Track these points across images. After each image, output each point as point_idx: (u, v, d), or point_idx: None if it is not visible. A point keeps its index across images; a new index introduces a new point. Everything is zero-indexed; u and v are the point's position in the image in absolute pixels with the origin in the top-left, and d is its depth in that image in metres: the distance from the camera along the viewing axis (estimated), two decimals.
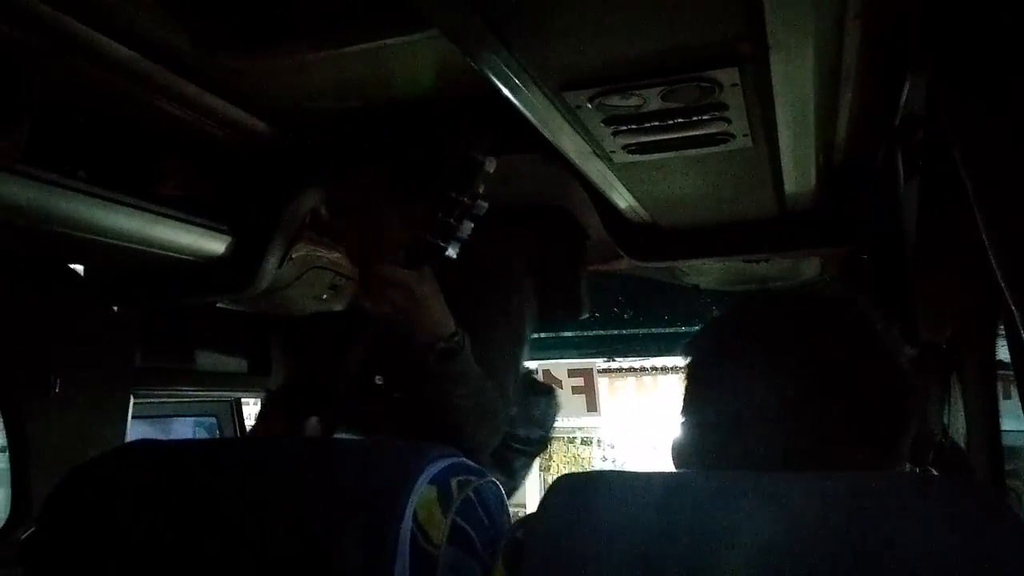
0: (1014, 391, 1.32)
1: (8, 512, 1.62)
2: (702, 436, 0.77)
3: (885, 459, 0.73)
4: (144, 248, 1.55)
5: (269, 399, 1.46)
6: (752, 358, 0.75)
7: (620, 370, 8.80)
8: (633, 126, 1.05)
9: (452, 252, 1.19)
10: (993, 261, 0.69)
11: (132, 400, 1.92)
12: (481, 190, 1.22)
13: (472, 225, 1.19)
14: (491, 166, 1.20)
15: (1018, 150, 0.69)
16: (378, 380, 1.23)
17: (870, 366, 0.75)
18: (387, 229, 1.33)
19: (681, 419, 0.79)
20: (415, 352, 1.16)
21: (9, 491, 1.62)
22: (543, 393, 1.51)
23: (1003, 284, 0.68)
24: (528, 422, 1.37)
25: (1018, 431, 1.47)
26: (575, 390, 5.49)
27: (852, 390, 0.73)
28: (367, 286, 1.17)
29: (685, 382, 0.81)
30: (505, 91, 0.96)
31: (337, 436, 1.22)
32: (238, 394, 2.47)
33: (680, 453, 0.79)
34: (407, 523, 0.76)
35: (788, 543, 0.58)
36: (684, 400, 0.80)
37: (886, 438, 0.73)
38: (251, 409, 2.53)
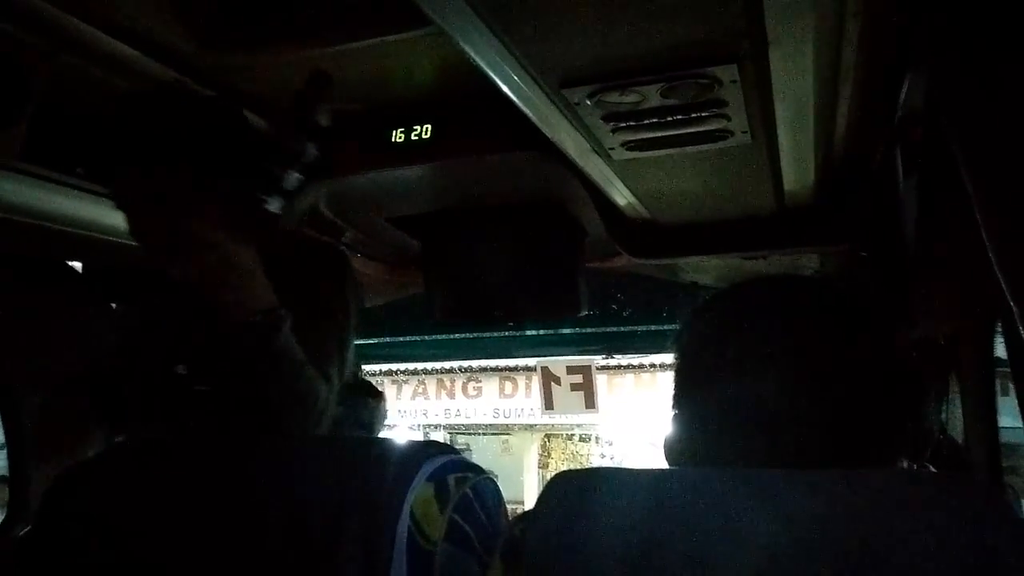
0: (1012, 388, 1.32)
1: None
2: (694, 433, 0.76)
3: (883, 454, 0.72)
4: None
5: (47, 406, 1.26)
6: (745, 352, 0.73)
7: (619, 367, 8.81)
8: (632, 123, 1.05)
9: (274, 206, 1.04)
10: (992, 259, 0.69)
11: None
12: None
13: (301, 178, 1.04)
14: (325, 118, 1.07)
15: (1018, 149, 0.69)
16: (180, 370, 1.09)
17: (868, 359, 0.73)
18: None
19: (673, 415, 0.78)
20: (228, 328, 1.02)
21: None
22: (372, 397, 1.40)
23: (1003, 283, 0.68)
24: (355, 424, 1.25)
25: (1016, 428, 1.47)
26: (573, 387, 5.48)
27: (849, 385, 0.71)
28: (173, 246, 0.98)
29: (675, 376, 0.80)
30: (504, 88, 0.96)
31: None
32: None
33: (672, 450, 0.78)
34: (404, 521, 0.76)
35: (786, 541, 0.58)
36: (675, 395, 0.79)
37: (884, 433, 0.72)
38: None
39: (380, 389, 1.47)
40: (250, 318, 1.01)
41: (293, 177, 1.02)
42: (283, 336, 1.04)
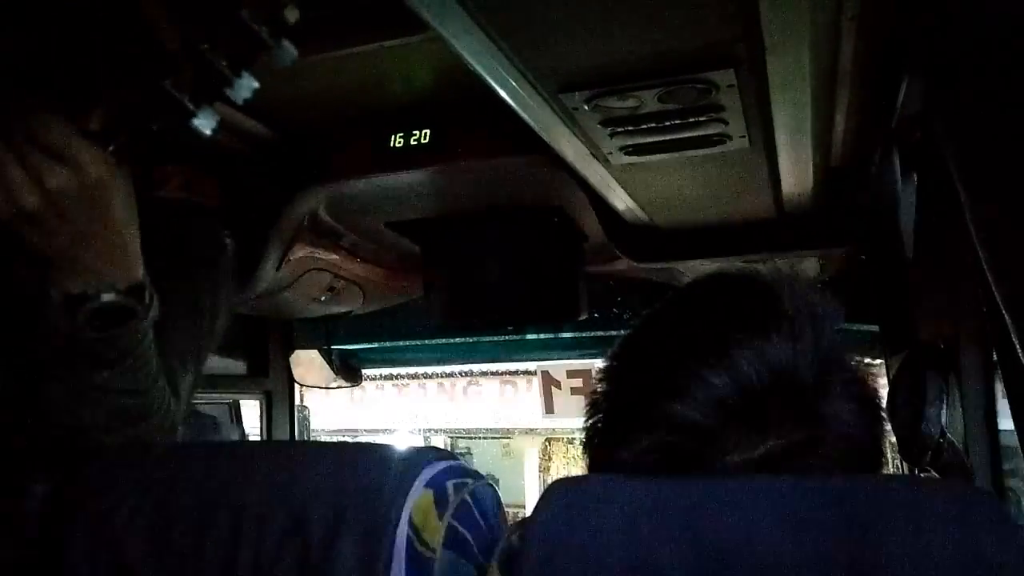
0: None
1: None
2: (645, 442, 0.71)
3: (875, 458, 0.70)
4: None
5: None
6: (698, 360, 0.70)
7: None
8: (630, 128, 1.05)
9: (204, 124, 0.64)
10: (984, 264, 0.69)
11: None
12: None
13: (254, 85, 0.62)
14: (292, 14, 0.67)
15: (1010, 154, 0.69)
16: None
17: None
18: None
19: (605, 422, 0.76)
20: (60, 300, 0.68)
21: None
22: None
23: (993, 288, 0.68)
24: None
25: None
26: (574, 391, 5.49)
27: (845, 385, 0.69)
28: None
29: (604, 383, 0.78)
30: (502, 93, 0.96)
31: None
32: (237, 396, 2.47)
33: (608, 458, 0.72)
34: (403, 527, 0.76)
35: (789, 548, 0.58)
36: (601, 400, 0.76)
37: (879, 436, 0.71)
38: (250, 411, 2.54)
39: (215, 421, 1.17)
40: (102, 290, 0.68)
41: (248, 83, 0.60)
42: (140, 327, 0.72)
